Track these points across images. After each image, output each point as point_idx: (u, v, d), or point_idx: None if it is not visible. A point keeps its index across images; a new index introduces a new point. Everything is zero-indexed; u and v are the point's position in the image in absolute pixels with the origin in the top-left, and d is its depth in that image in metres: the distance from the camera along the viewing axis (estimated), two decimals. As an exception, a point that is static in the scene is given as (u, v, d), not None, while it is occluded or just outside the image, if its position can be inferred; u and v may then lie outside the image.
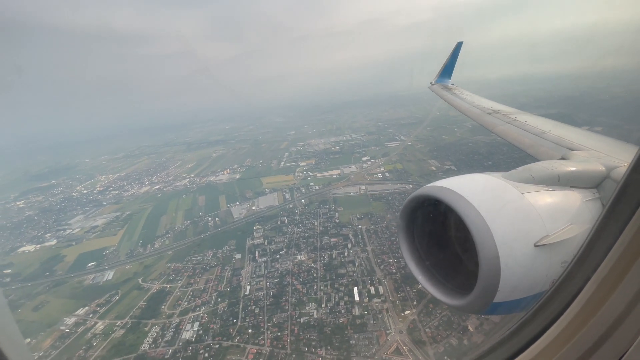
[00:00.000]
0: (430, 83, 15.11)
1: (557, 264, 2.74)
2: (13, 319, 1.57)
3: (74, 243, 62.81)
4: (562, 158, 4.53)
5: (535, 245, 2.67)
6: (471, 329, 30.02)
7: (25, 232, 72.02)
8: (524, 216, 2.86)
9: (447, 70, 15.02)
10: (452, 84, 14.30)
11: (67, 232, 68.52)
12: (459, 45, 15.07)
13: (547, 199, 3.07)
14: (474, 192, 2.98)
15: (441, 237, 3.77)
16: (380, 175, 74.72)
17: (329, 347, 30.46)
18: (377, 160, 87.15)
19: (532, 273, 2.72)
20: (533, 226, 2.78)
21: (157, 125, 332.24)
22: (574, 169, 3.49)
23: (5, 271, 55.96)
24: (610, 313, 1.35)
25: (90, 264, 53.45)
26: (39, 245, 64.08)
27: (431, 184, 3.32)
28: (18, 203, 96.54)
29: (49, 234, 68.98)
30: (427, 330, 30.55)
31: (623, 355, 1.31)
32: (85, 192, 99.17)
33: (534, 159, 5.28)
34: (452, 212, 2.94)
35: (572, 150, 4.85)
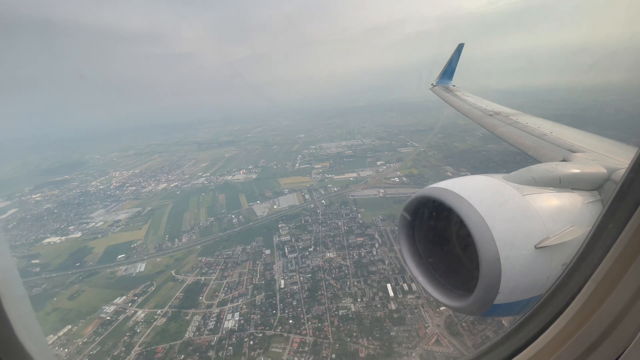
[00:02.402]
0: (432, 84, 15.16)
1: (557, 266, 2.73)
2: (34, 316, 1.57)
3: (99, 236, 64.16)
4: (564, 160, 4.53)
5: (536, 247, 2.68)
6: (505, 324, 31.71)
7: (47, 224, 73.34)
8: (524, 218, 2.88)
9: (449, 71, 15.09)
10: (454, 86, 14.31)
11: (90, 225, 69.84)
12: (460, 47, 15.17)
13: (548, 200, 3.07)
14: (475, 193, 2.99)
15: (442, 238, 3.76)
16: (397, 180, 76.74)
17: (370, 338, 32.10)
18: (391, 165, 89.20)
19: (532, 275, 2.72)
20: (534, 228, 2.79)
21: (163, 124, 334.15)
22: (575, 171, 3.50)
23: (33, 261, 57.09)
24: (609, 312, 1.37)
25: (120, 256, 54.85)
26: (63, 237, 65.43)
27: (432, 186, 3.33)
28: (34, 196, 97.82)
29: (72, 227, 70.34)
30: (464, 324, 32.28)
31: (621, 354, 1.34)
32: (101, 187, 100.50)
33: (535, 160, 5.31)
34: (453, 214, 2.95)
35: (574, 152, 4.82)
